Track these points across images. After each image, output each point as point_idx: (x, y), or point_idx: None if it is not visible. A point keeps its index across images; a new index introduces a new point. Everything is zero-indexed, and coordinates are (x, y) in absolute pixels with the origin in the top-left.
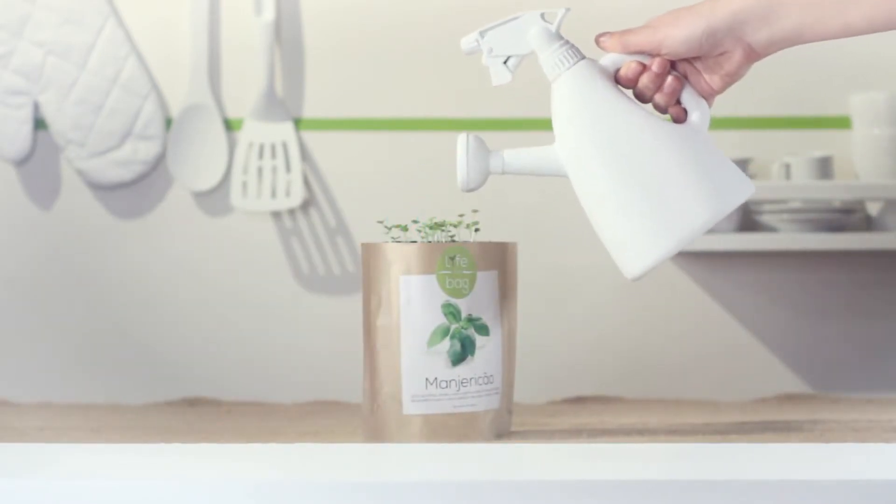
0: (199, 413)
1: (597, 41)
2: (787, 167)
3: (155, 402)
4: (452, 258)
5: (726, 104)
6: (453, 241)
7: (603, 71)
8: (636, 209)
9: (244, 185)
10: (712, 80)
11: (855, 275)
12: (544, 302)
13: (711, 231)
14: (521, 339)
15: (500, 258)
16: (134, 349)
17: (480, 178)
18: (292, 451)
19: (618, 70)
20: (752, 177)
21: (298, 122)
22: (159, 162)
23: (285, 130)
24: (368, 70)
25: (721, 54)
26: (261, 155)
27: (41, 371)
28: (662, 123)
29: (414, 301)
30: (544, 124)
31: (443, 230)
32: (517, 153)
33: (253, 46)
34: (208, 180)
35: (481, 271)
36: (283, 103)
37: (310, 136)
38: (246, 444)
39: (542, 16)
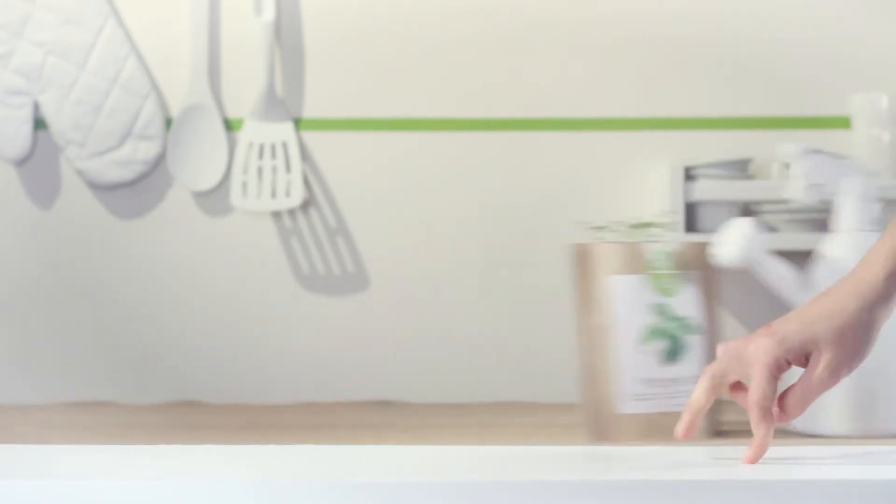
0: (198, 413)
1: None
2: (788, 167)
3: (155, 402)
4: (660, 258)
5: (726, 104)
6: (656, 241)
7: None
8: None
9: (244, 185)
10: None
11: None
12: None
13: None
14: None
15: (702, 258)
16: (134, 349)
17: (740, 262)
18: (292, 451)
19: None
20: (751, 177)
21: (298, 122)
22: (159, 162)
23: (285, 130)
24: (368, 70)
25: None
26: (261, 155)
27: (42, 371)
28: None
29: (624, 300)
30: (544, 125)
31: (645, 230)
32: (771, 260)
33: (253, 46)
34: (208, 180)
35: (687, 271)
36: (283, 103)
37: (310, 136)
38: (246, 444)
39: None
